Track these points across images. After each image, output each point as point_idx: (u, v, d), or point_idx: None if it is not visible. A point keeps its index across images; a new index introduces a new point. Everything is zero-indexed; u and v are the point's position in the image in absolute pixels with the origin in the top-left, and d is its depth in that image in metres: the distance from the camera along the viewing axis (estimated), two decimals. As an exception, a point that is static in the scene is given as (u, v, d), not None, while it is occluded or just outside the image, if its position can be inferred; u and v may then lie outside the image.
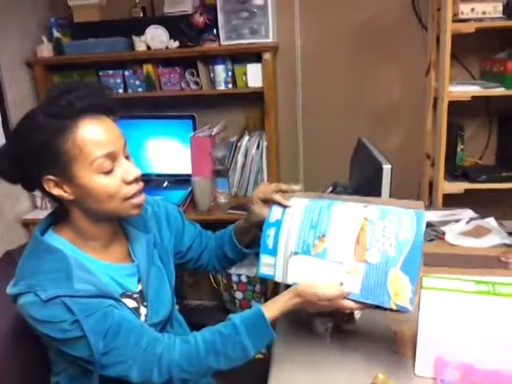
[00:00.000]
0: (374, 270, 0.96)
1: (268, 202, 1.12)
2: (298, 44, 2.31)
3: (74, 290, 0.89)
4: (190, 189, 2.19)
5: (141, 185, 0.97)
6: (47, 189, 0.92)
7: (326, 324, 1.21)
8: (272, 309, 0.99)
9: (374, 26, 2.23)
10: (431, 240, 1.59)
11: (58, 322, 0.87)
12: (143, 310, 1.05)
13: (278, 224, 1.07)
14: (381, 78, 2.30)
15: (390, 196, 1.25)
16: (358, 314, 1.27)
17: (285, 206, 1.08)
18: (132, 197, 0.95)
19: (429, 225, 1.66)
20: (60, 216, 1.01)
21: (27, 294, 0.88)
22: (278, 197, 1.10)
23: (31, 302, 0.87)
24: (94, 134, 0.90)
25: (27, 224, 2.23)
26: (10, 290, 0.91)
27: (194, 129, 2.30)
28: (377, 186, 1.24)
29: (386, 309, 0.96)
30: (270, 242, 1.06)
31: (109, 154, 0.91)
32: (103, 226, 1.00)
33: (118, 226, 1.07)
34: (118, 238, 1.07)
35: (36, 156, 0.89)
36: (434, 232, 1.63)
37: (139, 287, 1.06)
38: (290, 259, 1.04)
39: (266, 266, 1.07)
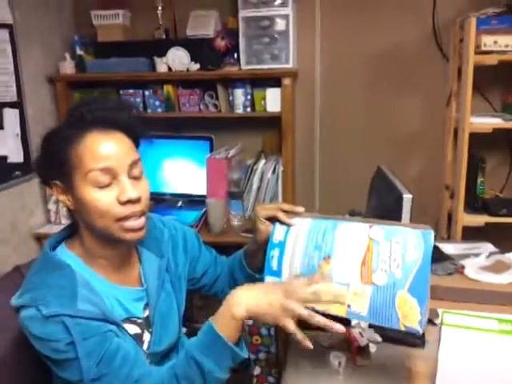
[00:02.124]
0: (381, 292, 0.92)
1: (271, 219, 1.07)
2: (317, 70, 2.32)
3: (76, 310, 0.86)
4: (203, 210, 2.17)
5: (138, 208, 0.92)
6: (55, 194, 0.95)
7: (340, 357, 1.17)
8: (220, 320, 0.92)
9: (395, 54, 2.23)
10: (450, 274, 1.55)
11: (53, 341, 0.85)
12: (147, 337, 1.02)
13: (281, 245, 1.03)
14: (401, 106, 2.29)
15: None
16: (373, 348, 1.23)
17: (288, 225, 1.05)
18: (124, 219, 0.91)
19: (448, 258, 1.62)
20: (73, 231, 1.00)
21: (29, 307, 0.86)
22: (281, 215, 1.05)
23: (32, 317, 0.86)
24: (94, 147, 0.89)
25: (40, 238, 2.23)
26: (14, 301, 0.89)
27: (211, 150, 2.30)
28: (396, 216, 1.21)
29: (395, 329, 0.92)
30: (274, 264, 1.03)
31: (106, 169, 0.89)
32: (109, 247, 0.97)
33: (132, 249, 1.05)
34: (130, 260, 1.04)
35: (48, 160, 0.94)
36: (453, 265, 1.58)
37: (146, 313, 1.03)
38: (296, 280, 0.99)
39: None
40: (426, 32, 2.19)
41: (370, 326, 1.30)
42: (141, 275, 1.05)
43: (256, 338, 2.21)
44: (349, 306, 0.94)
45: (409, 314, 0.90)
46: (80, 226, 0.96)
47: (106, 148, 0.90)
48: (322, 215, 1.07)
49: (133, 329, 0.99)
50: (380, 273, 0.93)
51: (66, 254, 0.97)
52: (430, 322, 1.32)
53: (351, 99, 2.32)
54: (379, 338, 1.27)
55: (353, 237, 0.98)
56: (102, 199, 0.89)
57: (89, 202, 0.89)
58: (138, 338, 0.99)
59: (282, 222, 1.05)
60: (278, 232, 1.05)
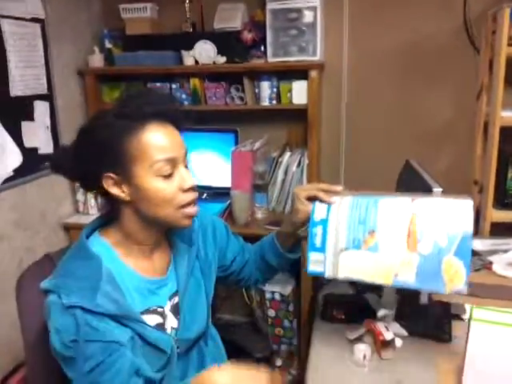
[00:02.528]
0: (427, 260, 0.99)
1: (311, 199, 1.11)
2: (345, 62, 2.29)
3: (94, 304, 0.89)
4: (228, 202, 2.19)
5: (196, 195, 0.98)
6: (106, 187, 0.94)
7: (365, 351, 1.17)
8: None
9: (425, 47, 2.19)
10: (478, 270, 1.53)
11: (63, 333, 0.88)
12: (172, 323, 1.04)
13: (324, 222, 1.08)
14: (429, 99, 2.25)
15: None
16: (398, 342, 1.22)
17: (328, 204, 1.09)
18: (186, 206, 0.96)
19: (475, 254, 1.60)
20: (110, 218, 1.03)
21: (53, 293, 0.90)
22: (321, 194, 1.09)
23: (54, 303, 0.89)
24: (158, 139, 0.92)
25: (68, 228, 2.29)
26: (42, 284, 0.93)
27: (236, 143, 2.32)
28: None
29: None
30: (317, 240, 1.08)
31: (170, 160, 0.93)
32: (152, 232, 1.01)
33: (165, 237, 1.08)
34: (161, 247, 1.07)
35: (101, 153, 0.92)
36: (480, 261, 1.56)
37: (174, 300, 1.06)
38: (340, 255, 1.05)
39: (315, 263, 1.08)
40: (457, 24, 2.14)
41: (397, 318, 1.30)
42: (170, 263, 1.07)
43: (278, 329, 2.23)
44: (396, 275, 1.01)
45: (454, 278, 0.97)
46: (124, 215, 0.98)
47: (167, 139, 0.93)
48: (361, 192, 1.11)
49: (154, 319, 1.01)
50: (425, 242, 0.99)
51: (99, 242, 0.99)
52: (457, 317, 1.31)
53: (379, 92, 2.29)
54: (405, 332, 1.26)
55: (396, 210, 1.03)
56: (167, 188, 0.93)
57: (153, 191, 0.92)
58: (160, 327, 1.01)
59: (321, 201, 1.10)
60: (319, 210, 1.09)
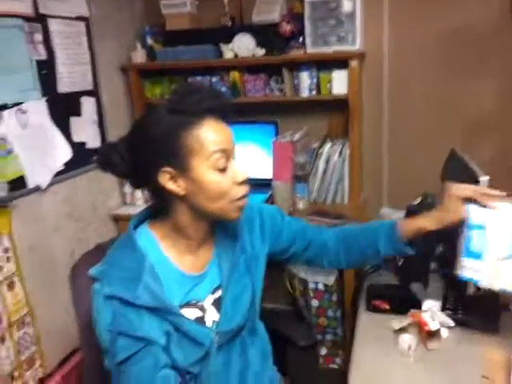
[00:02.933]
0: None
1: (465, 200, 1.05)
2: (385, 51, 2.26)
3: (134, 296, 0.92)
4: (269, 193, 2.21)
5: (248, 188, 1.00)
6: (162, 182, 0.95)
7: (410, 341, 1.17)
8: None
9: (469, 33, 2.12)
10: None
11: (101, 322, 0.93)
12: (214, 317, 1.06)
13: (482, 227, 1.02)
14: (474, 87, 2.18)
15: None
16: (444, 333, 1.22)
17: (489, 208, 1.02)
18: (240, 198, 0.98)
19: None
20: (158, 210, 1.05)
21: (98, 281, 0.95)
22: (482, 197, 1.03)
23: (97, 291, 0.94)
24: (214, 133, 0.95)
25: (117, 219, 2.37)
26: (90, 270, 0.98)
27: (277, 134, 2.33)
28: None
29: None
30: (473, 245, 1.03)
31: (224, 151, 0.95)
32: (201, 227, 1.03)
33: (210, 232, 1.09)
34: (206, 241, 1.08)
35: (157, 148, 0.94)
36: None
37: (217, 294, 1.07)
38: (500, 264, 1.01)
39: (470, 269, 1.04)
40: (503, 9, 2.06)
41: (443, 309, 1.29)
42: (213, 257, 1.09)
43: (322, 319, 2.24)
44: None
45: None
46: (176, 209, 0.99)
47: (222, 133, 0.96)
48: None
49: (193, 313, 1.03)
50: None
51: (146, 234, 1.02)
52: (506, 308, 1.28)
53: (421, 81, 2.24)
54: (451, 323, 1.25)
55: None
56: (223, 181, 0.96)
57: (210, 184, 0.94)
58: (199, 321, 1.03)
59: (479, 204, 1.03)
60: (477, 214, 1.03)
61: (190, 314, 1.02)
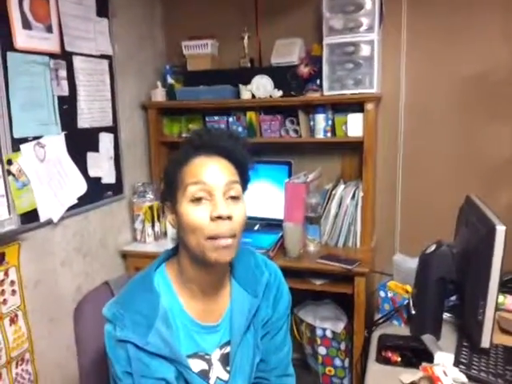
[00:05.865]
0: None
1: None
2: (402, 95, 2.27)
3: (145, 342, 0.92)
4: (280, 234, 2.18)
5: (227, 226, 0.92)
6: (166, 215, 1.02)
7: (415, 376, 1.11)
8: None
9: (485, 78, 2.12)
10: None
11: (116, 364, 0.93)
12: (220, 374, 1.02)
13: None
14: (491, 132, 2.16)
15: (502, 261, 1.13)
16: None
17: None
18: (215, 237, 0.91)
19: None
20: (175, 252, 1.06)
21: (110, 323, 0.94)
22: None
23: (109, 332, 0.94)
24: (198, 166, 0.96)
25: (125, 255, 2.34)
26: (103, 310, 0.97)
27: (290, 175, 2.32)
28: (488, 249, 1.13)
29: None
30: None
31: (202, 183, 0.93)
32: (203, 271, 0.99)
33: (225, 279, 1.05)
34: (220, 292, 1.04)
35: (164, 184, 1.03)
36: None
37: (225, 350, 1.03)
38: None
39: None
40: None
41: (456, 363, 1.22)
42: (226, 310, 1.04)
43: (329, 368, 2.15)
44: None
45: None
46: (180, 246, 1.01)
47: (204, 167, 0.95)
48: None
49: (199, 365, 1.00)
50: None
51: (162, 274, 1.02)
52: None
53: (437, 124, 2.24)
54: (465, 378, 1.18)
55: None
56: (195, 214, 0.92)
57: (184, 216, 0.94)
58: (203, 375, 1.00)
59: None
60: None
61: (196, 365, 1.00)
